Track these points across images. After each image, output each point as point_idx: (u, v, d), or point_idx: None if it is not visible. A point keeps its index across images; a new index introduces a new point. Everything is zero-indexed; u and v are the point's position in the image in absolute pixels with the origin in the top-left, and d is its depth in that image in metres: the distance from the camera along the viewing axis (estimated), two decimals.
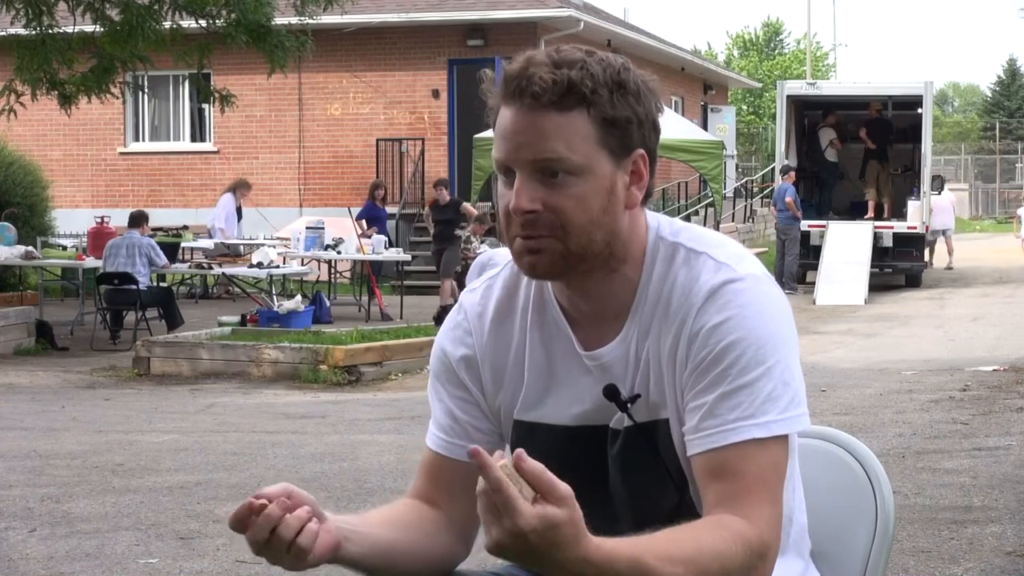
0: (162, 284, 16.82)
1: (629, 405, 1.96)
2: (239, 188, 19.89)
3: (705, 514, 1.87)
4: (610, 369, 1.99)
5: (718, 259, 1.94)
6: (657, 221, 2.01)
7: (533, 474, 1.63)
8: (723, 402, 1.87)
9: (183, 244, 19.41)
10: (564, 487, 1.64)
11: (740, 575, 1.81)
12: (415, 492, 2.12)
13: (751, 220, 29.34)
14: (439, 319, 14.40)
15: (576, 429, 2.02)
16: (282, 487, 1.83)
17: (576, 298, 2.00)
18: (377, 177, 21.52)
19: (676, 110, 28.27)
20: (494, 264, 2.17)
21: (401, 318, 16.29)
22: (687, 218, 22.92)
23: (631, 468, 1.99)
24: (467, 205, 18.33)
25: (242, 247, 18.44)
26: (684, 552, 1.75)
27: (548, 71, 1.86)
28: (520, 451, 1.64)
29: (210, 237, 19.17)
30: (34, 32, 14.57)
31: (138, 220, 15.07)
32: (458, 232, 17.65)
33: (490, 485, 1.62)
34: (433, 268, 17.81)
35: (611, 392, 1.96)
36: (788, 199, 21.15)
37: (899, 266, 22.16)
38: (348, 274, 19.36)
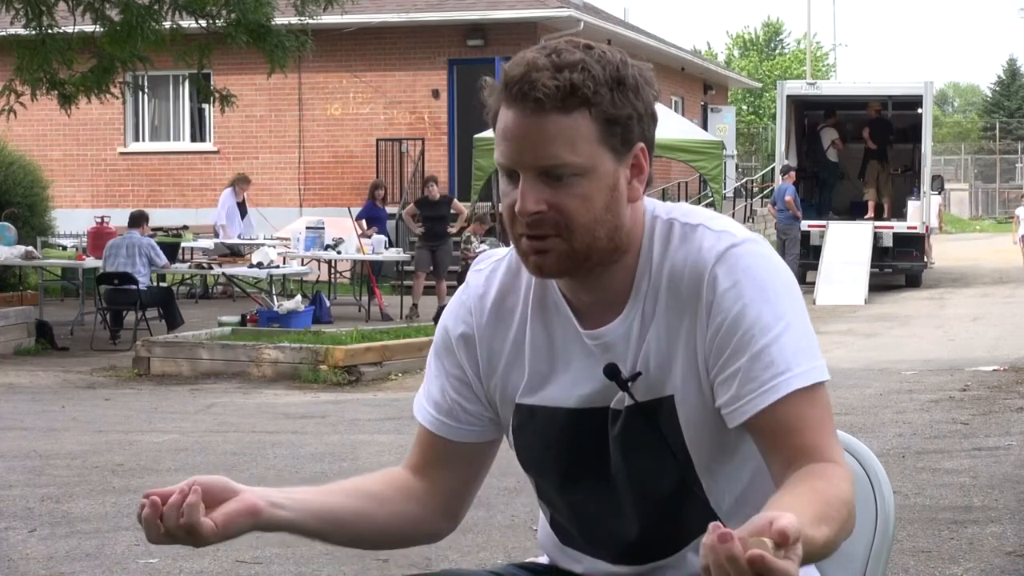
0: (162, 284, 16.81)
1: (630, 384, 1.97)
2: (237, 183, 19.86)
3: (778, 475, 1.88)
4: (611, 348, 2.00)
5: (715, 228, 1.97)
6: (652, 204, 2.03)
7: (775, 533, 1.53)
8: (755, 363, 1.89)
9: (183, 244, 19.40)
10: (790, 523, 1.53)
11: (854, 515, 1.85)
12: (406, 461, 2.17)
13: (751, 220, 29.33)
14: (439, 319, 14.35)
15: (578, 411, 2.03)
16: (186, 482, 1.88)
17: (578, 288, 2.02)
18: (377, 177, 21.49)
19: (676, 110, 28.26)
20: None
21: (401, 318, 16.30)
22: None
23: (632, 448, 2.00)
24: (457, 203, 18.26)
25: (243, 247, 18.43)
26: (822, 511, 1.76)
27: (551, 76, 1.86)
28: (774, 524, 1.53)
29: (216, 236, 19.17)
30: (34, 32, 14.56)
31: (138, 220, 15.06)
32: (451, 229, 17.54)
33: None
34: (429, 268, 17.40)
35: (611, 371, 1.97)
36: (788, 198, 21.15)
37: (899, 266, 22.18)
38: (348, 274, 19.35)
